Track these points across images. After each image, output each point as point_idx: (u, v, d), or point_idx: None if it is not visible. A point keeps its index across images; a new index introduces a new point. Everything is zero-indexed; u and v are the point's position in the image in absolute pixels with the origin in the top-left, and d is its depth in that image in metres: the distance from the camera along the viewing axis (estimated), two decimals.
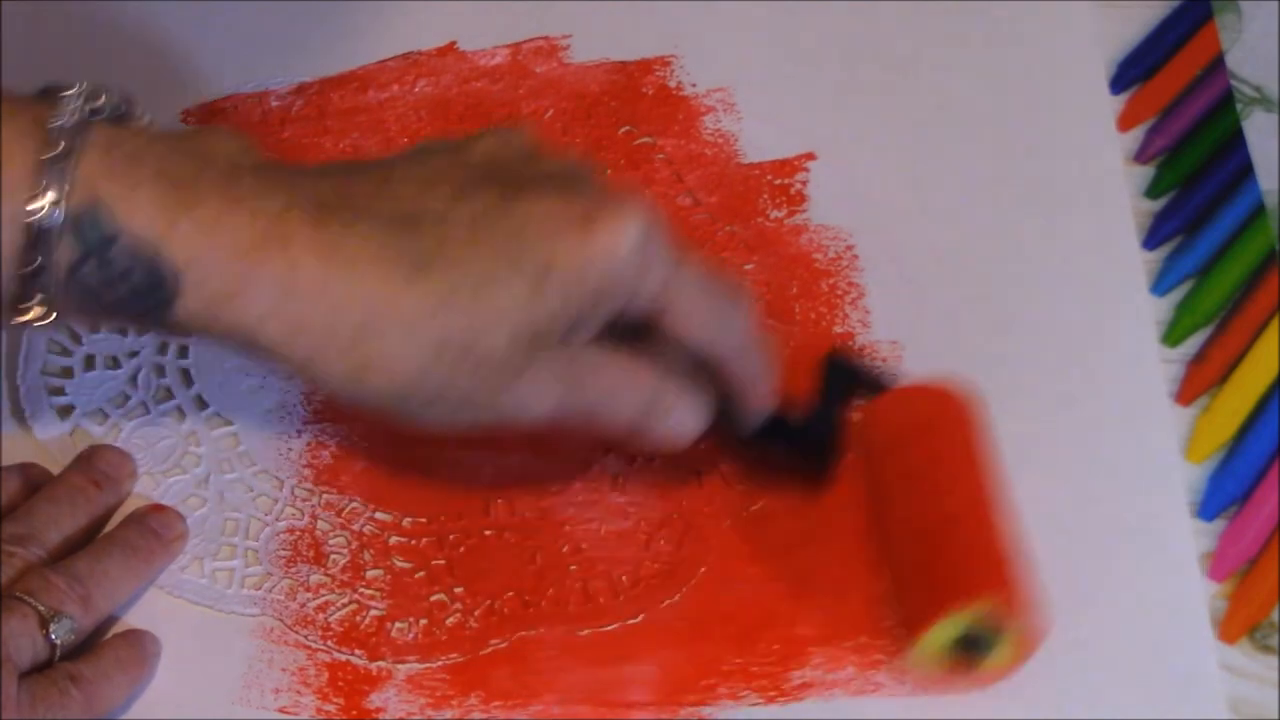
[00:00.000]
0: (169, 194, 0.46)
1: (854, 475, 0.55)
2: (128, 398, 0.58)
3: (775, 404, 0.53)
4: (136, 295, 0.46)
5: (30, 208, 0.45)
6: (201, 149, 0.48)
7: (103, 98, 0.47)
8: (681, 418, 0.51)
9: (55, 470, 0.56)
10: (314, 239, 0.46)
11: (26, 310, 0.47)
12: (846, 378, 0.55)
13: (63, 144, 0.46)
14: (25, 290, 0.46)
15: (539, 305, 0.47)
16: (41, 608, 0.50)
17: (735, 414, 0.52)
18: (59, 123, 0.46)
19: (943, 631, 0.50)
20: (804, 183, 0.62)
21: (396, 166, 0.49)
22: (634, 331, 0.50)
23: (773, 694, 0.52)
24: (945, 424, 0.54)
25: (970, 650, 0.51)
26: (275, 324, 0.47)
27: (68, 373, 0.59)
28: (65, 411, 0.58)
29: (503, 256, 0.47)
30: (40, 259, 0.46)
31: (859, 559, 0.54)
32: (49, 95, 0.47)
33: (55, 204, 0.45)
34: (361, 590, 0.55)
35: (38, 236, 0.45)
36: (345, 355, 0.47)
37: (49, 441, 0.57)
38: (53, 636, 0.50)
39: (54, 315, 0.47)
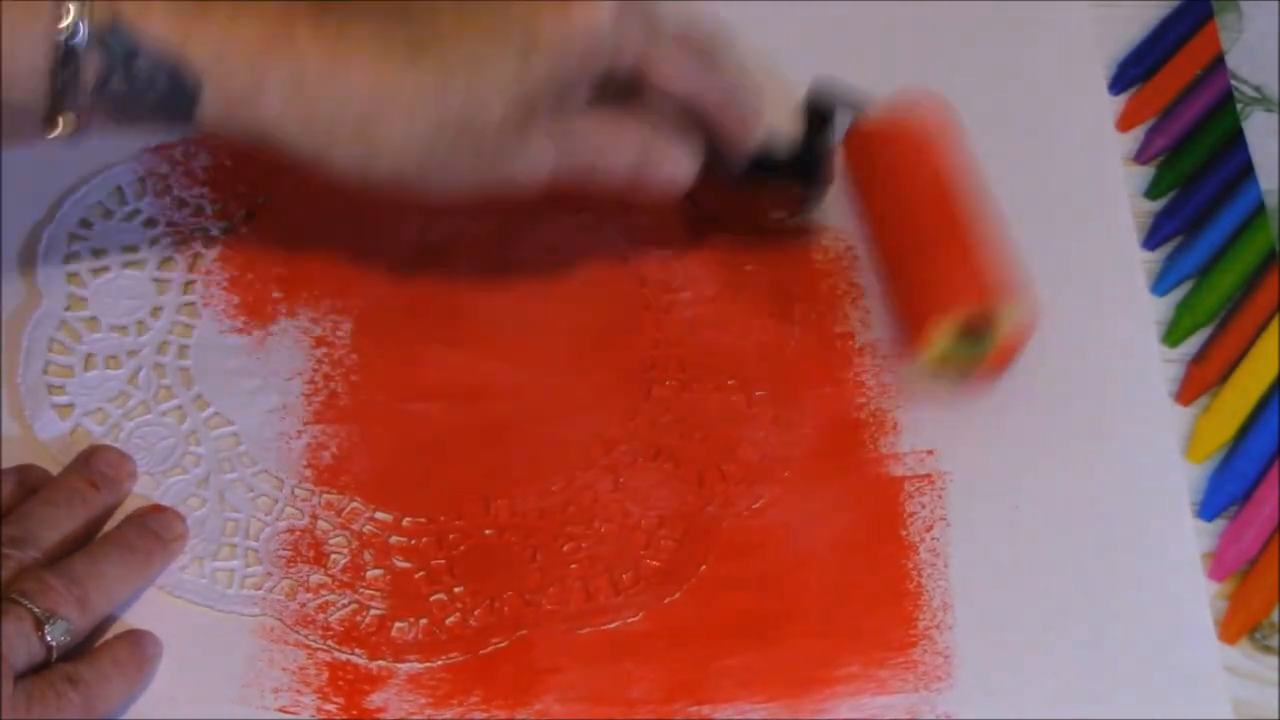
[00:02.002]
0: (182, 4, 0.50)
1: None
2: (128, 397, 0.58)
3: (760, 142, 0.57)
4: (161, 103, 0.51)
5: (58, 27, 0.49)
6: None
7: None
8: (673, 165, 0.55)
9: (55, 470, 0.56)
10: (317, 34, 0.50)
11: (56, 124, 0.51)
12: (826, 107, 0.59)
13: None
14: (55, 106, 0.50)
15: (528, 78, 0.51)
16: (36, 609, 0.50)
17: (724, 156, 0.56)
18: None
19: (944, 337, 0.55)
20: None
21: None
22: (623, 91, 0.54)
23: (773, 693, 0.52)
24: (919, 145, 0.58)
25: (973, 345, 0.55)
26: (288, 120, 0.51)
27: (68, 372, 0.59)
28: (65, 411, 0.58)
29: (491, 37, 0.51)
30: (68, 75, 0.49)
31: (860, 559, 0.54)
32: None
33: (79, 22, 0.49)
34: (362, 590, 0.55)
35: (65, 55, 0.49)
36: (353, 143, 0.51)
37: (49, 441, 0.57)
38: (48, 638, 0.50)
39: (83, 128, 0.51)
